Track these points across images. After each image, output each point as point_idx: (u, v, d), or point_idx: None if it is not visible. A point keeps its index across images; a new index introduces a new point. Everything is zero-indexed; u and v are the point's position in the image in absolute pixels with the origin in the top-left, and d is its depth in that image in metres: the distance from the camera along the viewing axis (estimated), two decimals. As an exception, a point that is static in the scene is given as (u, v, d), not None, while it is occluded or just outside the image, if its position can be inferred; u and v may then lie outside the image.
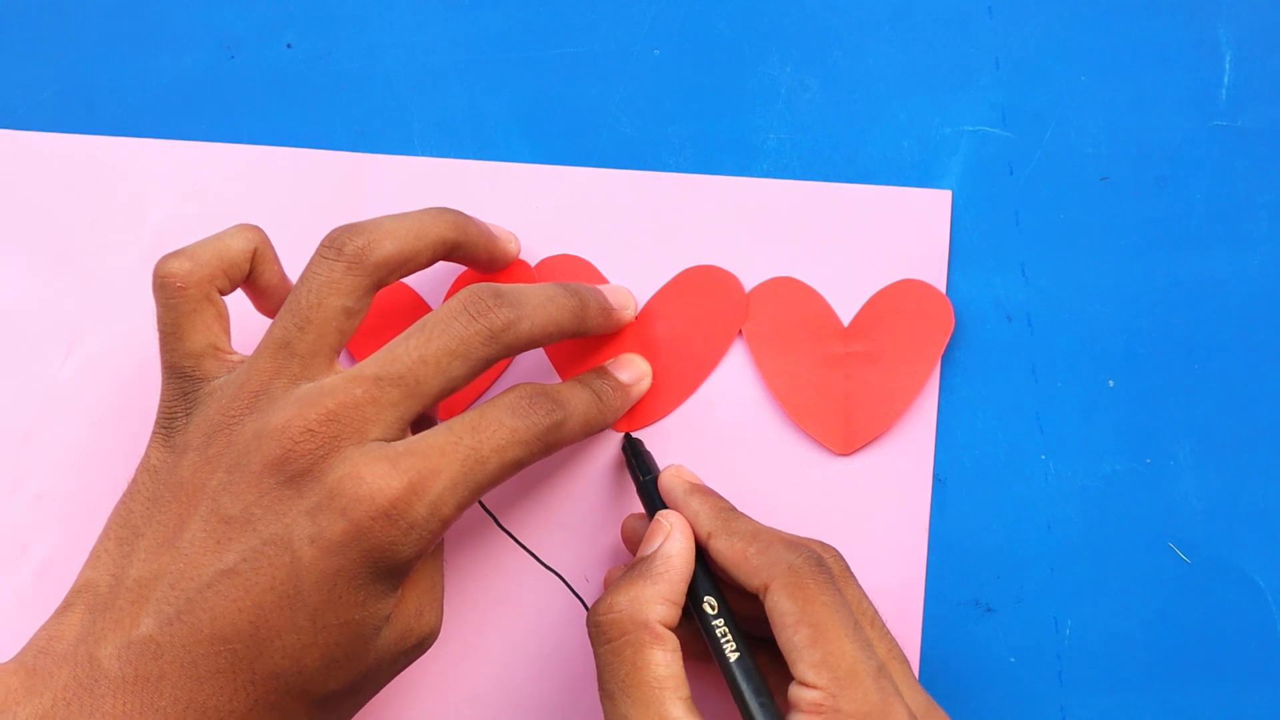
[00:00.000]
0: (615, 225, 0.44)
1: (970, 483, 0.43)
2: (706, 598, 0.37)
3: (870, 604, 0.38)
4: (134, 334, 0.45)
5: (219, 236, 0.38)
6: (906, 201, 0.44)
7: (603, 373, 0.42)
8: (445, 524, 0.34)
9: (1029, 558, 0.43)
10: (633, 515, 0.42)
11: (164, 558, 0.34)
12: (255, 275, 0.39)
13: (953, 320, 0.43)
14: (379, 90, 0.45)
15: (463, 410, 0.37)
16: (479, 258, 0.41)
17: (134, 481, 0.36)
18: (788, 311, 0.43)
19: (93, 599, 0.35)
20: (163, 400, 0.37)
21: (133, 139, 0.45)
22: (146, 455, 0.37)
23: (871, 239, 0.44)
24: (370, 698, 0.37)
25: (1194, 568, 0.43)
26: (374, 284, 0.36)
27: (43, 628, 0.35)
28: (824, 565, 0.36)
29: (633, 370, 0.43)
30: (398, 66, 0.45)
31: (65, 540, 0.44)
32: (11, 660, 0.34)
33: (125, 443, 0.44)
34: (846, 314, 0.43)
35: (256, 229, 0.39)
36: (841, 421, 0.43)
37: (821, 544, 0.38)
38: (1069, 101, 0.44)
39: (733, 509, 0.39)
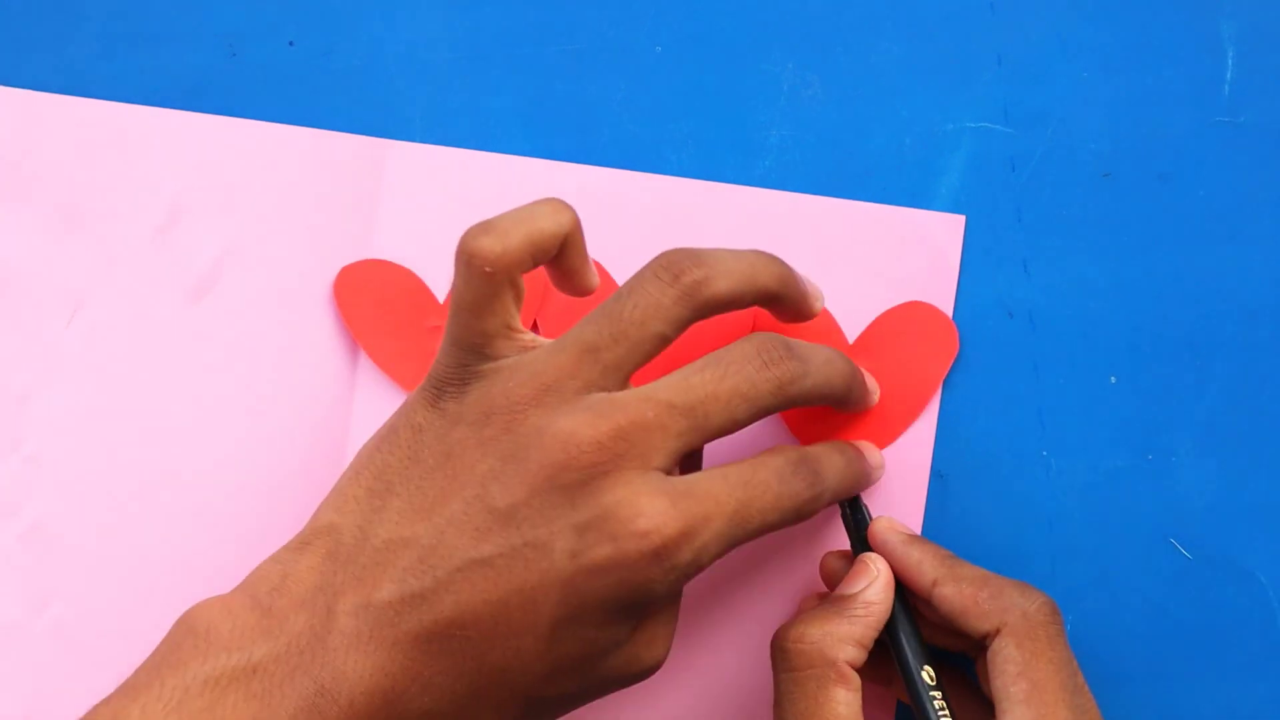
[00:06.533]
0: (623, 228, 0.44)
1: (971, 479, 0.43)
2: (926, 667, 0.37)
3: (1078, 669, 0.37)
4: (139, 301, 0.45)
5: (532, 215, 0.36)
6: (920, 223, 0.43)
7: (858, 453, 0.41)
8: (700, 570, 0.34)
9: (1030, 554, 0.43)
10: (832, 553, 0.42)
11: (417, 526, 0.34)
12: (561, 258, 0.37)
13: (957, 346, 0.43)
14: (381, 88, 0.45)
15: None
16: (786, 313, 0.39)
17: (393, 431, 0.36)
18: (793, 325, 0.43)
19: (334, 545, 0.34)
20: (440, 365, 0.36)
21: (151, 108, 0.45)
22: (411, 409, 0.36)
23: (882, 258, 0.43)
24: (577, 708, 0.36)
25: (1196, 564, 0.43)
26: (696, 318, 0.35)
27: (276, 561, 0.35)
28: (1058, 618, 0.36)
29: (877, 458, 0.42)
30: (399, 64, 0.45)
31: (58, 504, 0.44)
32: (241, 593, 0.34)
33: (123, 409, 0.44)
34: (852, 331, 0.43)
35: (569, 210, 0.36)
36: (837, 438, 0.43)
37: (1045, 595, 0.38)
38: (1071, 98, 0.44)
39: (954, 556, 0.39)
